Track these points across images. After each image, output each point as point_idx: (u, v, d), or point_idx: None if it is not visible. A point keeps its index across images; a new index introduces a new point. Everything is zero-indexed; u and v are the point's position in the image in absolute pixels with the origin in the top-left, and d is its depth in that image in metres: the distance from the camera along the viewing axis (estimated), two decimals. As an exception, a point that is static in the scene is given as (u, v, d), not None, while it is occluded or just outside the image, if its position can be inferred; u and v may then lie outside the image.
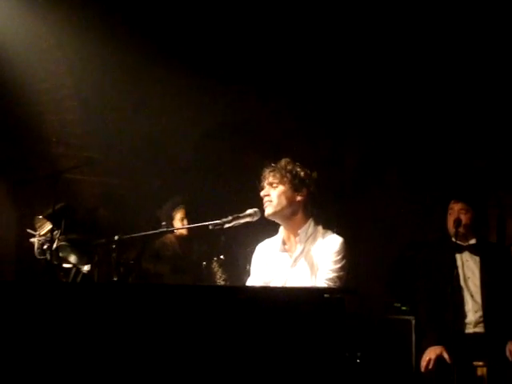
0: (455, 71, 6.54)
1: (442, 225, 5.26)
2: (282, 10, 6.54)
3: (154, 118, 6.97)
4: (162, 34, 6.64)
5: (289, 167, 4.08)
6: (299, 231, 4.07)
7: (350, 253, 4.05)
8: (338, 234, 4.11)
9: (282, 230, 4.17)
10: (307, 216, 4.10)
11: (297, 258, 4.05)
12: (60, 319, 2.88)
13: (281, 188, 4.05)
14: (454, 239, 5.07)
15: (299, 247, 4.06)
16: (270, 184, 4.07)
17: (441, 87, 6.64)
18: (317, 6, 6.48)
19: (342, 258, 4.00)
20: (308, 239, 4.07)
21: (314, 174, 4.14)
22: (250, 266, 4.30)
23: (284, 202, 4.03)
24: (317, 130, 7.08)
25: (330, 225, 4.19)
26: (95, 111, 6.87)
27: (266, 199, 4.05)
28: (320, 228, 4.12)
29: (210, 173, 7.14)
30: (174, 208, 6.44)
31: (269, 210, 4.04)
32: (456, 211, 5.12)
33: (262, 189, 4.11)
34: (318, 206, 4.15)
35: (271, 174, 4.08)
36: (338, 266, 3.97)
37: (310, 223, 4.09)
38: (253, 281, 4.16)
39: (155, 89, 6.80)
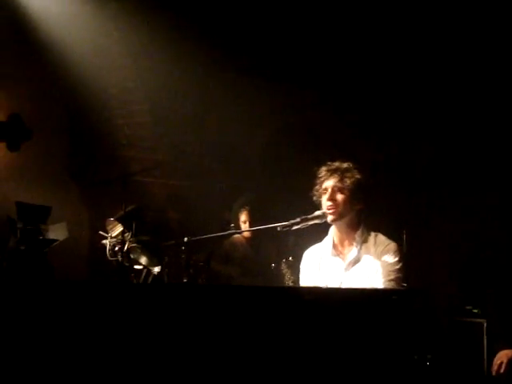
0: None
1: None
2: (347, 14, 6.52)
3: (222, 120, 7.01)
4: (230, 38, 6.67)
5: (353, 175, 4.04)
6: (355, 235, 4.07)
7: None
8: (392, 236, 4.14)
9: (332, 234, 4.16)
10: (360, 221, 4.11)
11: (351, 262, 4.04)
12: (132, 319, 2.94)
13: (346, 194, 4.02)
14: (526, 240, 4.99)
15: (354, 251, 4.05)
16: (336, 189, 4.04)
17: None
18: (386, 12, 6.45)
19: (400, 260, 4.01)
20: (362, 243, 4.06)
21: (372, 181, 4.14)
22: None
23: (348, 208, 4.03)
24: (386, 130, 7.02)
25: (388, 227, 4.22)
26: (164, 114, 6.96)
27: (330, 204, 4.02)
28: (371, 232, 4.11)
29: (279, 174, 7.14)
30: (240, 208, 6.47)
31: (334, 216, 4.02)
32: (528, 212, 5.03)
33: (322, 191, 4.08)
34: (371, 212, 4.15)
35: (335, 177, 4.05)
36: (398, 267, 3.98)
37: (363, 227, 4.10)
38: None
39: (223, 91, 6.84)
